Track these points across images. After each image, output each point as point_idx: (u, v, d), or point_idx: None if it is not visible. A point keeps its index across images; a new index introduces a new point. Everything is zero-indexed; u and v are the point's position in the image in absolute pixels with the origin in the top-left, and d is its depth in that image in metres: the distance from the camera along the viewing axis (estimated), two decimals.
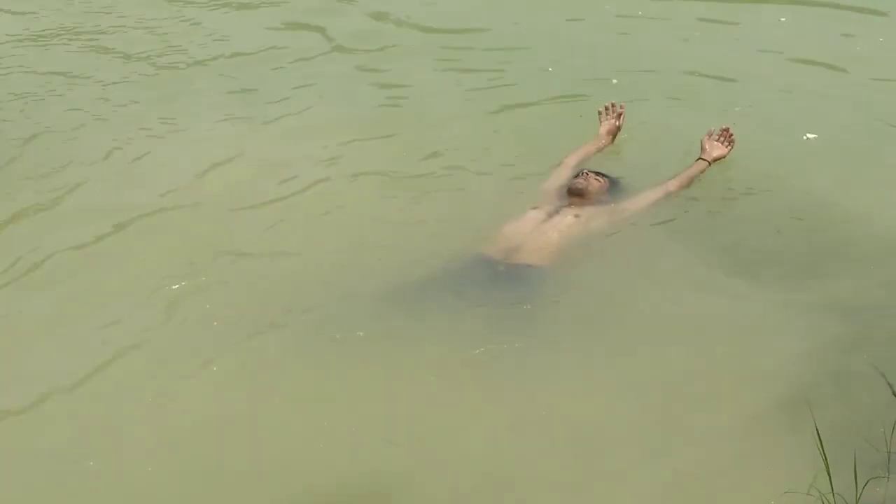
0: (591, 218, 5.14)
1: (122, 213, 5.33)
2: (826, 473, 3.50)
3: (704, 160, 5.40)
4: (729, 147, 5.44)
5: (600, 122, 5.69)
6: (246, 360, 4.36)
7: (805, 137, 5.61)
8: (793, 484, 3.57)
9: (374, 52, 7.00)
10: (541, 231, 5.06)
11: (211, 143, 6.02)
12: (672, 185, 5.28)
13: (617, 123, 5.68)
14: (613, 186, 5.36)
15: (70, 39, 7.31)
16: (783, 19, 7.03)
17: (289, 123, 6.20)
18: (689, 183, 5.32)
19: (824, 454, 3.52)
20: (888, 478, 3.61)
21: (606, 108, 5.70)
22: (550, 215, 5.14)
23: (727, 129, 5.44)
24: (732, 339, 4.39)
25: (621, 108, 5.68)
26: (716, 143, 5.43)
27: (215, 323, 4.54)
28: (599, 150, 5.67)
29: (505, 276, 4.83)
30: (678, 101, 6.15)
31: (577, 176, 5.34)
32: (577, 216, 5.14)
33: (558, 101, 6.20)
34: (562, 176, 5.46)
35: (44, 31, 7.43)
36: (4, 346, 4.52)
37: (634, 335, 4.45)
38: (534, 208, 5.20)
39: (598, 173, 5.35)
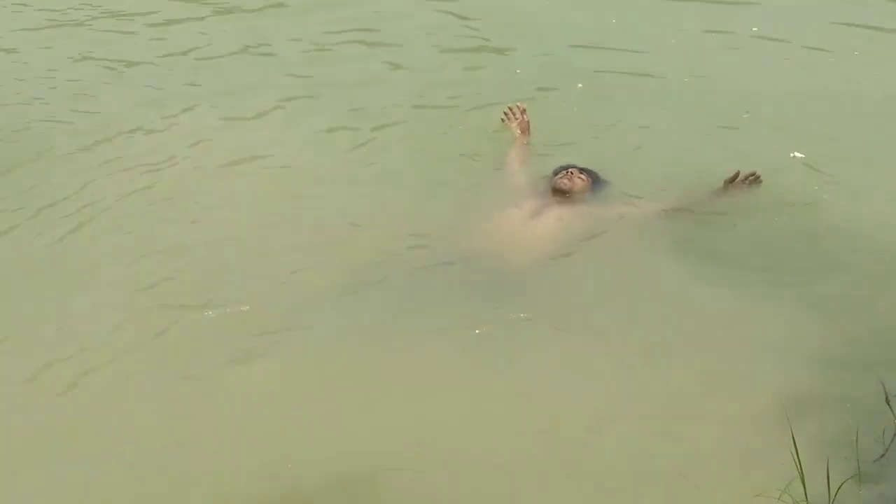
0: (574, 220, 5.07)
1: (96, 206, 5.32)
2: (800, 480, 3.54)
3: (719, 195, 5.19)
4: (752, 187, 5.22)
5: (509, 127, 5.74)
6: (250, 360, 4.37)
7: (792, 156, 5.52)
8: (767, 488, 3.59)
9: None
10: (523, 233, 4.99)
11: (177, 134, 5.97)
12: (668, 207, 5.14)
13: (525, 118, 5.71)
14: (596, 183, 5.30)
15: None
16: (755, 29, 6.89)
17: (261, 112, 6.16)
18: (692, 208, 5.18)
19: (798, 461, 3.55)
20: (860, 487, 3.64)
21: (506, 115, 5.75)
22: (533, 216, 5.07)
23: (755, 174, 5.20)
24: (719, 340, 4.39)
25: (519, 106, 5.73)
26: (743, 184, 5.19)
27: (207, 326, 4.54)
28: (525, 148, 5.66)
29: (488, 279, 4.77)
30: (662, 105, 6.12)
31: (560, 173, 5.26)
32: (560, 218, 5.07)
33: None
34: (518, 174, 5.44)
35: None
36: None
37: (617, 336, 4.44)
38: (515, 207, 5.14)
39: (581, 170, 5.29)
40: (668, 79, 6.33)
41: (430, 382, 4.24)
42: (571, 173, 5.23)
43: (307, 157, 5.72)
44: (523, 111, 5.73)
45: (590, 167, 5.35)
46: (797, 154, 5.53)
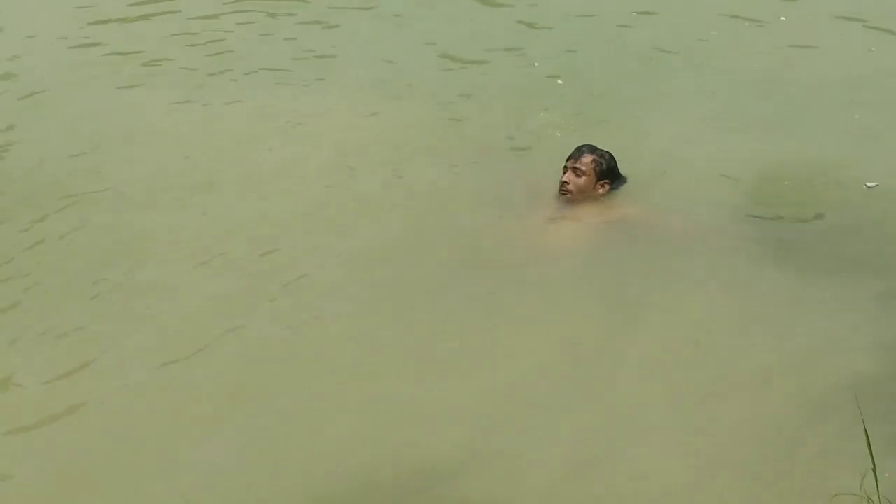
0: (586, 221, 4.96)
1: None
2: (873, 473, 3.37)
3: None
4: None
5: None
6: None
7: (865, 187, 5.14)
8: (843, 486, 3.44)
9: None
10: (547, 232, 4.94)
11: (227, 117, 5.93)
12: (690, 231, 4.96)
13: None
14: (616, 180, 5.12)
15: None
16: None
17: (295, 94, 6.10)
18: None
19: (872, 455, 3.38)
20: None
21: None
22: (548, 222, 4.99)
23: None
24: (782, 327, 4.29)
25: None
26: None
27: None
28: None
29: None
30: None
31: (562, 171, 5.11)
32: (575, 218, 4.99)
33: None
34: None
35: None
36: None
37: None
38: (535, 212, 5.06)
39: (594, 152, 5.07)
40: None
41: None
42: (572, 170, 5.03)
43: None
44: None
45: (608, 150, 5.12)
46: (869, 184, 5.16)
